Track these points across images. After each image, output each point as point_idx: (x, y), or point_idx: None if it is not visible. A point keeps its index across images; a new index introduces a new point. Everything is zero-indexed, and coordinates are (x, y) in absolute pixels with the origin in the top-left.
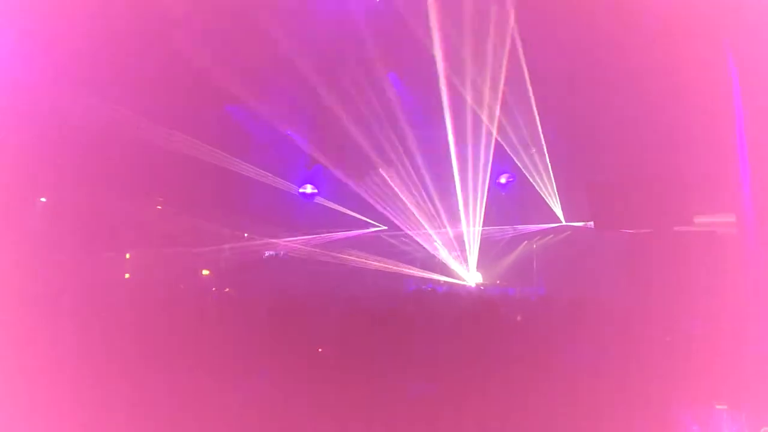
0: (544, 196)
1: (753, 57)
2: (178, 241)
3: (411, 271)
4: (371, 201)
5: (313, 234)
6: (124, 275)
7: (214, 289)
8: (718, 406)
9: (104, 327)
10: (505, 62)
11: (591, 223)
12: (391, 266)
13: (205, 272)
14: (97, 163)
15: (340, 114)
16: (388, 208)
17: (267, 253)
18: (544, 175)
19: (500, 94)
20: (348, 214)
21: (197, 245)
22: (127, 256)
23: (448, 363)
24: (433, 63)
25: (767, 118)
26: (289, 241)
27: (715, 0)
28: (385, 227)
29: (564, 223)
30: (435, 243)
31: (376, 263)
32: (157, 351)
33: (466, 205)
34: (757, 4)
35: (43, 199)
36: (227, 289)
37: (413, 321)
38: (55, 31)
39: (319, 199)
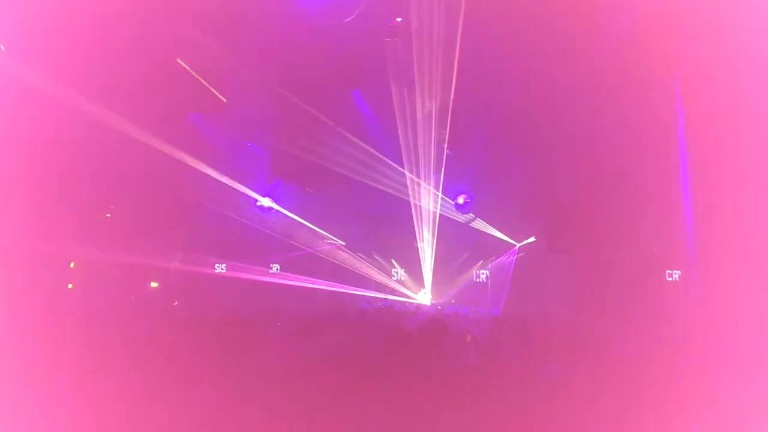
0: (497, 219)
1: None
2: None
3: (366, 290)
4: (328, 216)
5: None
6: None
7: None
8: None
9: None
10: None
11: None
12: (344, 284)
13: (154, 285)
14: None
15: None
16: (344, 223)
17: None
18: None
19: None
20: (305, 228)
21: (148, 256)
22: (72, 265)
23: (400, 380)
24: (388, 81)
25: (710, 143)
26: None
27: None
28: (343, 243)
29: (517, 245)
30: (391, 261)
31: (330, 281)
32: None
33: (421, 224)
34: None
35: None
36: (175, 303)
37: (365, 338)
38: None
39: (277, 210)
